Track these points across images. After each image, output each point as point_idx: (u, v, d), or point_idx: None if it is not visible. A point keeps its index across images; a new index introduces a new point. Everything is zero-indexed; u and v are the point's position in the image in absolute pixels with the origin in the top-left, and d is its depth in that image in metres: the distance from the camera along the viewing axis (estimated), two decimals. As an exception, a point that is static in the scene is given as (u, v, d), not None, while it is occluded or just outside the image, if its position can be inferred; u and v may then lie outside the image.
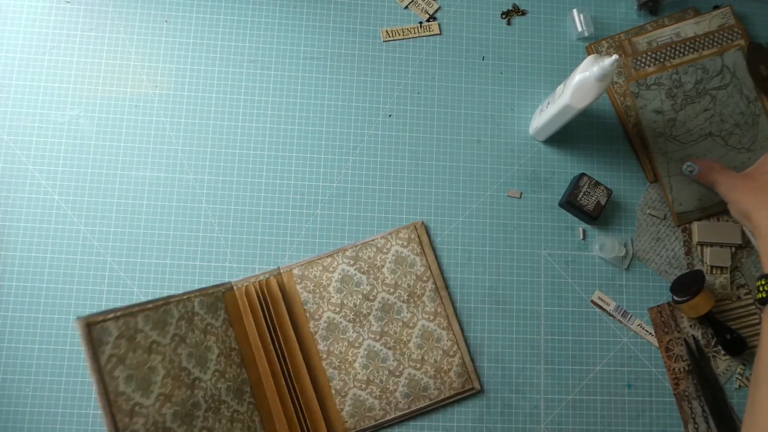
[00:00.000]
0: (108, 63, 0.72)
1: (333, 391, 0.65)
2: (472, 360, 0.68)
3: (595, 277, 0.71)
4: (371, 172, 0.72)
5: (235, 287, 0.66)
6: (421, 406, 0.66)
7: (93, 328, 0.53)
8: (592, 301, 0.71)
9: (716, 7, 0.76)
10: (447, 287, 0.68)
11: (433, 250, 0.70)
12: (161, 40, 0.72)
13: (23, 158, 0.69)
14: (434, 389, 0.66)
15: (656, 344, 0.70)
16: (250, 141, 0.71)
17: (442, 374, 0.66)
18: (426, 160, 0.73)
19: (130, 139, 0.70)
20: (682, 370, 0.70)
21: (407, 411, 0.65)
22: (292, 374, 0.64)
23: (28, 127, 0.70)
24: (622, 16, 0.77)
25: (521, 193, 0.73)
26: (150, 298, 0.67)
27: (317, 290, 0.66)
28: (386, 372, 0.66)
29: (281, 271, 0.67)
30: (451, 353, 0.66)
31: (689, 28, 0.75)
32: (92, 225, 0.68)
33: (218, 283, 0.68)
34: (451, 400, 0.66)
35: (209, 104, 0.72)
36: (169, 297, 0.60)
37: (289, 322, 0.65)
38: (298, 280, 0.67)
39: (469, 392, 0.66)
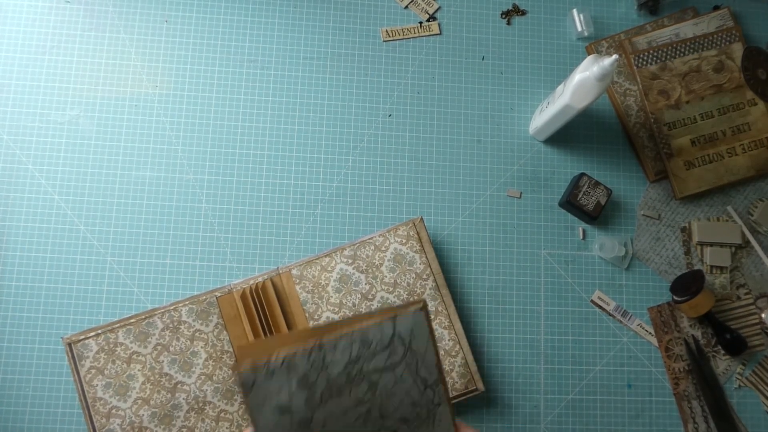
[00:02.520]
0: (108, 63, 0.72)
1: (333, 391, 0.65)
2: (475, 360, 0.68)
3: (595, 277, 0.71)
4: (371, 172, 0.72)
5: (233, 290, 0.66)
6: (421, 406, 0.65)
7: (74, 345, 0.63)
8: (592, 301, 0.71)
9: (716, 8, 0.76)
10: (447, 286, 0.68)
11: (433, 247, 0.70)
12: (161, 40, 0.73)
13: (23, 158, 0.69)
14: (434, 389, 0.66)
15: (656, 344, 0.70)
16: (250, 141, 0.71)
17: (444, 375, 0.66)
18: (426, 159, 0.73)
19: (130, 139, 0.70)
20: (681, 369, 0.70)
21: (407, 411, 0.65)
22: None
23: (28, 127, 0.69)
24: (621, 16, 0.77)
25: (521, 192, 0.73)
26: (150, 297, 0.67)
27: (316, 290, 0.66)
28: (386, 372, 0.66)
29: (280, 271, 0.67)
30: (453, 353, 0.66)
31: (688, 28, 0.75)
32: (92, 225, 0.68)
33: (214, 288, 0.68)
34: (453, 401, 0.66)
35: (209, 104, 0.72)
36: (155, 309, 0.65)
37: (284, 324, 0.65)
38: (297, 281, 0.67)
39: (473, 393, 0.66)
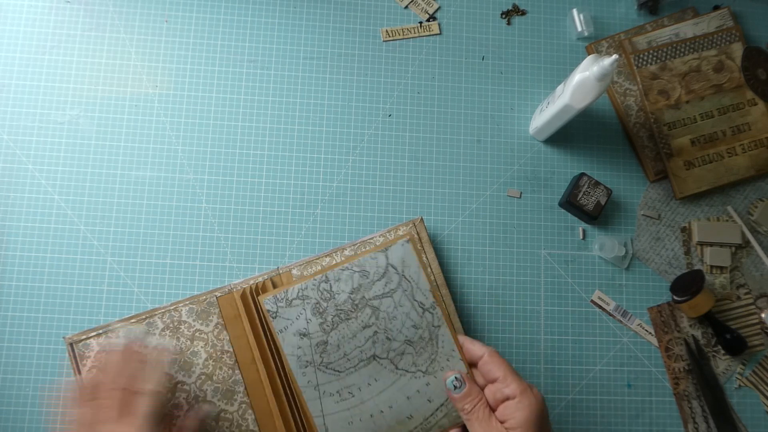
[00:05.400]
0: (108, 63, 0.72)
1: (333, 391, 0.65)
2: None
3: (595, 276, 0.71)
4: (371, 171, 0.72)
5: (233, 290, 0.66)
6: (421, 405, 0.65)
7: (76, 345, 0.63)
8: (592, 301, 0.71)
9: (716, 8, 0.76)
10: (447, 286, 0.68)
11: (433, 248, 0.70)
12: (161, 40, 0.73)
13: (23, 158, 0.69)
14: (434, 389, 0.66)
15: (656, 344, 0.70)
16: (250, 141, 0.71)
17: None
18: (426, 160, 0.73)
19: (130, 139, 0.70)
20: (682, 369, 0.70)
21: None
22: (287, 374, 0.64)
23: (28, 127, 0.69)
24: (621, 16, 0.77)
25: (521, 192, 0.73)
26: (150, 297, 0.67)
27: (317, 290, 0.66)
28: (386, 372, 0.66)
29: (280, 271, 0.67)
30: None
31: (688, 28, 0.75)
32: (92, 225, 0.68)
33: (214, 288, 0.68)
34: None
35: (209, 104, 0.72)
36: (155, 309, 0.65)
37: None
38: (297, 281, 0.66)
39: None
